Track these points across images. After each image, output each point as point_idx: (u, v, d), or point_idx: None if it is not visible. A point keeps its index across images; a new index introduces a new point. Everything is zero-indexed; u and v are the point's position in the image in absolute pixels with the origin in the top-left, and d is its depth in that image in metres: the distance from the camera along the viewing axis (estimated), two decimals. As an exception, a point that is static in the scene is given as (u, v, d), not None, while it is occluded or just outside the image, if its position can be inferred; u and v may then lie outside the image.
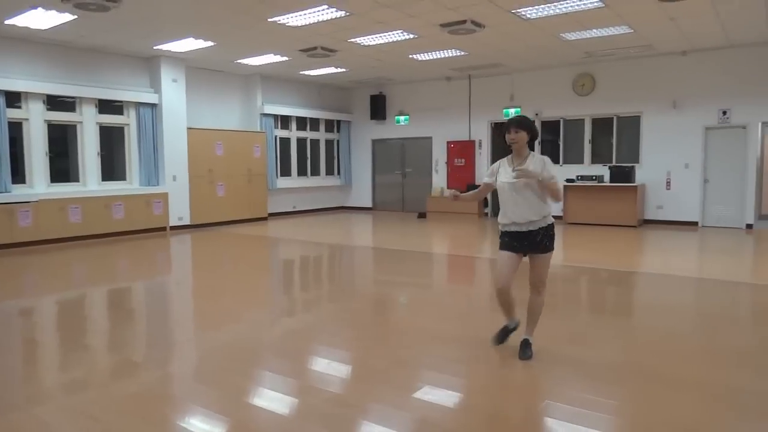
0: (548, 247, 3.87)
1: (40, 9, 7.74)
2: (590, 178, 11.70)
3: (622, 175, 11.33)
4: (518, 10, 7.99)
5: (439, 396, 3.38)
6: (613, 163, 11.88)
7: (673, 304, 5.63)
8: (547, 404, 3.25)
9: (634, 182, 11.28)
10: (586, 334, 4.64)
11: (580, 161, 12.42)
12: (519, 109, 12.99)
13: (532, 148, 3.93)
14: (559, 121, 12.67)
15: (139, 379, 3.71)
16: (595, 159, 12.27)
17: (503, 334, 4.10)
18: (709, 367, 3.82)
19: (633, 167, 11.40)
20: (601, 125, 12.24)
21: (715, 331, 4.71)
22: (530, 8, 7.88)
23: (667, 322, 4.94)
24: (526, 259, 3.93)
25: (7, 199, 9.10)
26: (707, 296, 6.13)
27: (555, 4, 7.67)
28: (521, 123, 3.82)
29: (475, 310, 5.56)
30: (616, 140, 12.04)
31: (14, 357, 4.29)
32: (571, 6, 7.79)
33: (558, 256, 8.51)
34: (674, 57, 11.12)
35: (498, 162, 4.03)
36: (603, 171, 11.79)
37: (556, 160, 12.68)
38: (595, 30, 9.14)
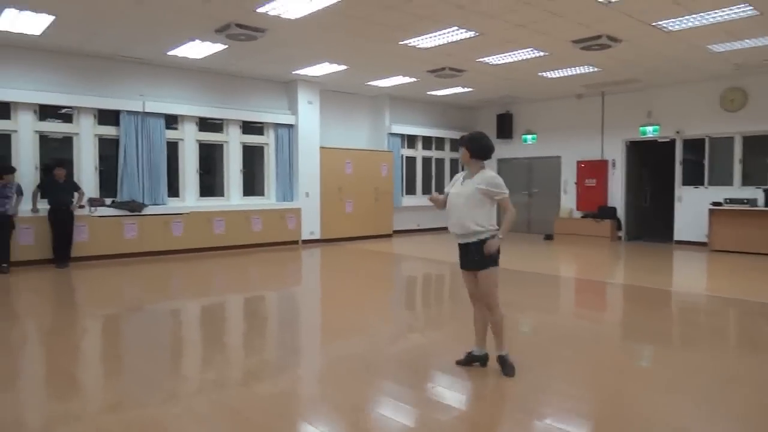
0: (480, 263, 3.91)
1: (197, 41, 8.62)
2: (741, 201, 10.68)
3: (780, 198, 10.22)
4: (659, 23, 7.57)
5: (562, 421, 3.27)
6: (769, 186, 10.78)
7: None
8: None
9: (794, 206, 10.13)
10: (737, 369, 4.23)
11: (729, 183, 11.38)
12: (657, 128, 12.22)
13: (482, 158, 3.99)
14: (704, 140, 11.72)
15: (271, 382, 3.96)
16: (747, 181, 11.18)
17: (466, 360, 4.14)
18: None
19: (793, 190, 10.26)
20: (754, 143, 11.14)
21: None
22: (673, 20, 7.44)
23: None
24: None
25: (164, 211, 10.16)
26: None
27: (701, 14, 7.17)
28: (462, 140, 4.05)
29: (595, 336, 5.29)
30: (772, 160, 10.92)
31: (160, 355, 4.76)
32: (720, 16, 7.24)
33: (700, 285, 7.89)
34: None
35: (458, 174, 4.20)
36: (756, 194, 10.72)
37: (700, 182, 11.74)
38: (747, 40, 8.40)
